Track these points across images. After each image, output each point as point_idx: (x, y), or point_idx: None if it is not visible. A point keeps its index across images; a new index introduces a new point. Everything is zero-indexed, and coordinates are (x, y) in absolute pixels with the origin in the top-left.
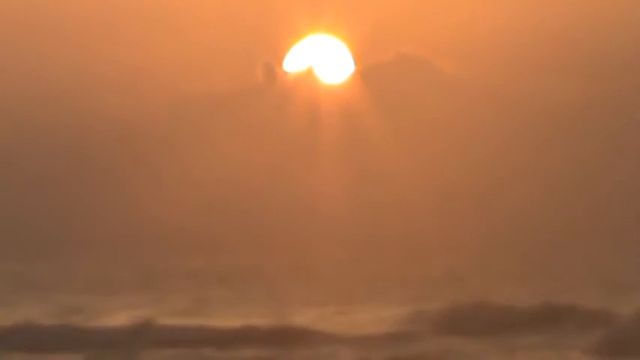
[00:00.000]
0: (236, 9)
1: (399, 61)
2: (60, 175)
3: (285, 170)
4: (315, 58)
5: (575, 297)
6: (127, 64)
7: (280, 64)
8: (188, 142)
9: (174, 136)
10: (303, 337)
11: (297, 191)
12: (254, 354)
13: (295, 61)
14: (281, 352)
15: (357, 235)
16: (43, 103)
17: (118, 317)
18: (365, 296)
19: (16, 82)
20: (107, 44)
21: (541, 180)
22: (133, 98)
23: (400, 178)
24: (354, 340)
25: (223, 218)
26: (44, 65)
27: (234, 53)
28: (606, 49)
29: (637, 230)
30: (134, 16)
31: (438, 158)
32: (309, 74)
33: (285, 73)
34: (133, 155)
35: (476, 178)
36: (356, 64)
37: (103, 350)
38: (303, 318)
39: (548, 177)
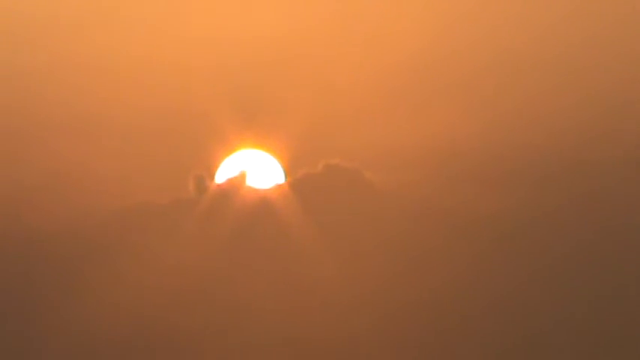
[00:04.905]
0: (166, 123)
1: (327, 172)
2: None
3: (217, 276)
4: (246, 170)
5: None
6: (58, 175)
7: (212, 176)
8: (120, 251)
9: (106, 245)
10: None
11: (229, 296)
12: None
13: (226, 173)
14: None
15: (287, 339)
16: None
17: None
18: None
19: None
20: (36, 154)
21: (468, 289)
22: (64, 208)
23: (328, 284)
24: None
25: (156, 323)
26: None
27: (165, 165)
28: (534, 161)
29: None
30: (65, 127)
31: (366, 266)
32: (240, 186)
33: (217, 185)
34: (63, 265)
35: (404, 285)
36: (286, 175)
37: None
38: None
39: (475, 286)
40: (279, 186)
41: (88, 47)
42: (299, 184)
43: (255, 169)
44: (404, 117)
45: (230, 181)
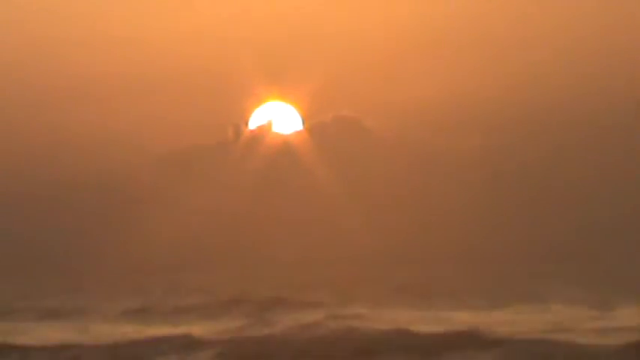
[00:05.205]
0: (205, 83)
1: (339, 121)
2: (59, 221)
3: (246, 215)
4: (272, 118)
5: None
6: (113, 128)
7: (245, 124)
8: (167, 193)
9: (154, 188)
10: None
11: (256, 228)
12: None
13: (257, 121)
14: None
15: (310, 276)
16: (35, 161)
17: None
18: None
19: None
20: (92, 109)
21: (461, 225)
22: (117, 155)
23: (338, 215)
24: None
25: (197, 253)
26: (34, 130)
27: (204, 116)
28: (526, 113)
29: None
30: (123, 87)
31: (371, 200)
32: (267, 131)
33: (249, 131)
34: (114, 204)
35: (397, 220)
36: (304, 123)
37: None
38: None
39: (464, 223)
40: (298, 132)
41: (132, 19)
42: (315, 130)
43: (279, 117)
44: (407, 77)
45: (259, 127)
